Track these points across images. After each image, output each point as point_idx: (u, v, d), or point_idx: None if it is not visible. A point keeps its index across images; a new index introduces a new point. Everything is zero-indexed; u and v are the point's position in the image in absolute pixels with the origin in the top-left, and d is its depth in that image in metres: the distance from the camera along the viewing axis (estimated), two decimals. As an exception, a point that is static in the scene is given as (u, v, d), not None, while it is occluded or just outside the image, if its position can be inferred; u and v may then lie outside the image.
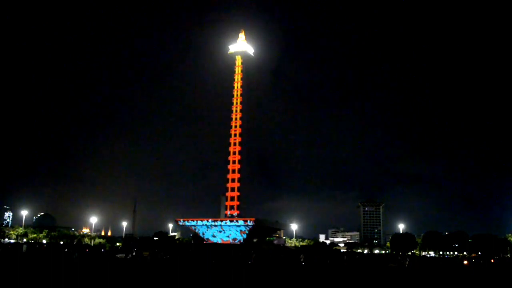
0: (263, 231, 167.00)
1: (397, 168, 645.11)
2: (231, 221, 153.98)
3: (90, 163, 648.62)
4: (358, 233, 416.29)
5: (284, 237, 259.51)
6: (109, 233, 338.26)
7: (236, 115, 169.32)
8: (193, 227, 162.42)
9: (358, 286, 54.38)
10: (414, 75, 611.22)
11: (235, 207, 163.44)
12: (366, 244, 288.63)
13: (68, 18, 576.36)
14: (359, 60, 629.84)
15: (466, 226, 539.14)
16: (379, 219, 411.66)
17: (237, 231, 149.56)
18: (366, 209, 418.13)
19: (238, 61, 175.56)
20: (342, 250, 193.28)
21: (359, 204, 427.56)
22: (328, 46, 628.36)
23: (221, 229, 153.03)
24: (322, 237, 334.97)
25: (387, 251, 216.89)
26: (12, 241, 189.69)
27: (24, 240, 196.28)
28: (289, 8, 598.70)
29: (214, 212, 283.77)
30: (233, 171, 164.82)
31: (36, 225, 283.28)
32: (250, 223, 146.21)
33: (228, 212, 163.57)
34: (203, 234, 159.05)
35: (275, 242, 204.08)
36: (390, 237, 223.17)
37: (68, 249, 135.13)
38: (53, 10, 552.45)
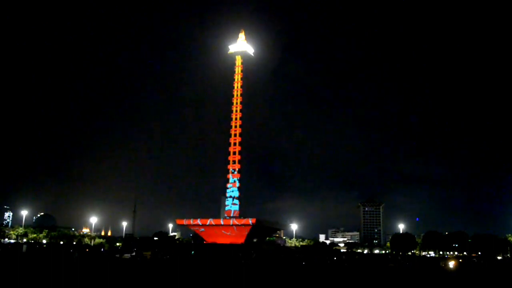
0: (263, 231, 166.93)
1: (397, 168, 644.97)
2: (231, 221, 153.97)
3: (90, 163, 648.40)
4: (358, 233, 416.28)
5: (284, 237, 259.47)
6: (109, 233, 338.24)
7: (236, 115, 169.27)
8: (193, 228, 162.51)
9: (356, 286, 54.40)
10: (414, 75, 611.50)
11: (235, 207, 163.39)
12: (366, 244, 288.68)
13: (68, 18, 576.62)
14: (359, 60, 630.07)
15: (466, 226, 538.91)
16: (379, 219, 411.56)
17: (237, 231, 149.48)
18: (366, 209, 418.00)
19: (238, 61, 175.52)
20: (342, 250, 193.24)
21: (359, 204, 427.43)
22: (328, 46, 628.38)
23: (221, 229, 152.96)
24: (322, 237, 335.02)
25: (387, 251, 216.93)
26: (12, 241, 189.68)
27: (24, 240, 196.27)
28: (289, 8, 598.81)
29: (214, 212, 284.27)
30: (233, 171, 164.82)
31: (36, 225, 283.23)
32: (250, 223, 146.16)
33: (229, 212, 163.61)
34: (203, 234, 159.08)
35: (279, 242, 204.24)
36: (390, 237, 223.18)
37: (68, 249, 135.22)
38: (53, 10, 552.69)
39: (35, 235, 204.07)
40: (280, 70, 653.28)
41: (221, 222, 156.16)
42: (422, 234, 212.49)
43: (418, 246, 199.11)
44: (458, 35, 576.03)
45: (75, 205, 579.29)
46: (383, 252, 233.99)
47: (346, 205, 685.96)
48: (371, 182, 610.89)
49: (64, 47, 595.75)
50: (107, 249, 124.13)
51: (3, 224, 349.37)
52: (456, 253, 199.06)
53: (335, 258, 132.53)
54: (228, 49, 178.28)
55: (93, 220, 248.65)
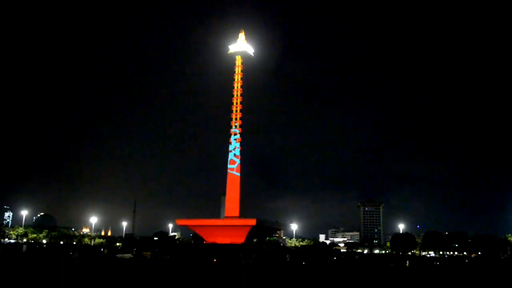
0: (263, 231, 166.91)
1: (397, 168, 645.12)
2: (231, 221, 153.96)
3: (90, 163, 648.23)
4: (358, 233, 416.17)
5: (284, 237, 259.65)
6: (109, 233, 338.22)
7: (236, 115, 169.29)
8: (194, 228, 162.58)
9: (355, 286, 54.41)
10: (414, 75, 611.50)
11: (235, 207, 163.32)
12: (366, 244, 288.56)
13: (68, 18, 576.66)
14: (359, 60, 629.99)
15: (466, 226, 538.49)
16: (379, 219, 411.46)
17: (237, 231, 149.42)
18: (366, 209, 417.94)
19: (238, 61, 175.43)
20: (342, 250, 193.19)
21: (359, 204, 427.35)
22: (328, 46, 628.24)
23: (221, 229, 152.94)
24: (322, 237, 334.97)
25: (387, 251, 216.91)
26: (12, 241, 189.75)
27: (24, 240, 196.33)
28: (289, 7, 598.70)
29: (214, 212, 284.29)
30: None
31: (36, 225, 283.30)
32: (250, 223, 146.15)
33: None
34: (203, 234, 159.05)
35: (279, 242, 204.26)
36: (390, 237, 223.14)
37: (68, 249, 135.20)
38: (53, 10, 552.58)
39: (35, 235, 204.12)
40: (280, 70, 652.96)
41: (221, 222, 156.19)
42: (422, 234, 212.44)
43: (418, 246, 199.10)
44: (458, 35, 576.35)
45: (75, 205, 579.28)
46: (383, 252, 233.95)
47: (346, 205, 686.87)
48: (371, 182, 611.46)
49: (64, 47, 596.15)
50: (107, 252, 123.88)
51: (3, 224, 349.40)
52: (456, 253, 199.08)
53: (335, 258, 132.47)
54: (228, 49, 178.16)
55: (93, 220, 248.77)
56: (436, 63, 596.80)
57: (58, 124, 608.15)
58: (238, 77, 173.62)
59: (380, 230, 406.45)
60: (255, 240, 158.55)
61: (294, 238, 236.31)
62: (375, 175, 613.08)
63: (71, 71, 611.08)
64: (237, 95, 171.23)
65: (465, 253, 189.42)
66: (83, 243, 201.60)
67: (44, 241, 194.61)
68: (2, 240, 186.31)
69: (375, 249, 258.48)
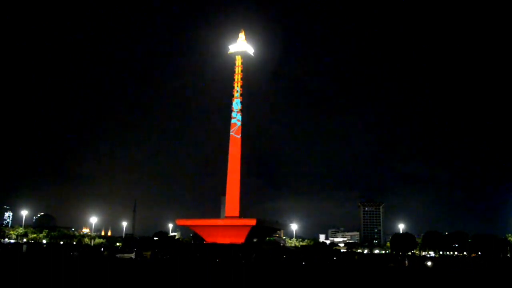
0: (263, 231, 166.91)
1: (397, 168, 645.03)
2: (231, 221, 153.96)
3: (90, 163, 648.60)
4: (358, 233, 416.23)
5: (284, 237, 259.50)
6: (109, 233, 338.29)
7: (237, 83, 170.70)
8: (194, 228, 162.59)
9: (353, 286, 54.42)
10: (414, 75, 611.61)
11: (235, 207, 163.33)
12: (366, 244, 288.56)
13: (68, 18, 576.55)
14: (359, 60, 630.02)
15: (466, 226, 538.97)
16: (379, 219, 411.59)
17: (237, 231, 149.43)
18: (366, 209, 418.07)
19: (238, 61, 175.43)
20: (342, 250, 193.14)
21: (359, 204, 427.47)
22: (328, 46, 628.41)
23: (221, 229, 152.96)
24: (322, 237, 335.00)
25: (387, 251, 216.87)
26: (12, 241, 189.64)
27: (24, 240, 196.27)
28: (289, 8, 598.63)
29: (214, 212, 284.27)
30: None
31: (36, 225, 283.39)
32: (250, 223, 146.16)
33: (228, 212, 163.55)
34: (203, 234, 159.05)
35: (279, 242, 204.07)
36: (390, 237, 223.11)
37: (68, 249, 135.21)
38: (53, 10, 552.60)
39: (35, 235, 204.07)
40: (280, 70, 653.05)
41: (221, 222, 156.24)
42: (422, 234, 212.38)
43: (418, 246, 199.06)
44: (457, 35, 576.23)
45: (75, 205, 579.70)
46: (383, 252, 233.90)
47: (346, 205, 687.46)
48: (371, 182, 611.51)
49: (64, 47, 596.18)
50: (107, 253, 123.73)
51: (3, 224, 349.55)
52: (456, 253, 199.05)
53: (334, 258, 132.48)
54: (228, 49, 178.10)
55: (93, 220, 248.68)
56: (436, 63, 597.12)
57: (58, 124, 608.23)
58: (238, 77, 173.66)
59: (380, 230, 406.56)
60: (255, 240, 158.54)
61: (294, 238, 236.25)
62: (375, 175, 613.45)
63: (71, 71, 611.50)
64: (237, 95, 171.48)
65: (465, 253, 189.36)
66: (83, 243, 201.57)
67: (44, 241, 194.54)
68: (2, 240, 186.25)
69: (375, 249, 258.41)
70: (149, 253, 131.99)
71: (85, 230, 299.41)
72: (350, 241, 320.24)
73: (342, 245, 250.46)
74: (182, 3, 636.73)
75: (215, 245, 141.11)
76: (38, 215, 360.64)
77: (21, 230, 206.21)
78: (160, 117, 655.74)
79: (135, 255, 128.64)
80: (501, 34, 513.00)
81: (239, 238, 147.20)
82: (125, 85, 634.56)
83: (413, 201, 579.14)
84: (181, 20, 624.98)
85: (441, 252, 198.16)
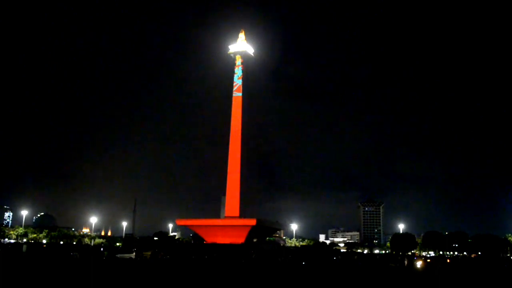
0: (263, 231, 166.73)
1: (397, 168, 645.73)
2: (231, 221, 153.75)
3: (90, 163, 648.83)
4: (358, 233, 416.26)
5: (284, 237, 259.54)
6: (109, 233, 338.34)
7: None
8: (194, 228, 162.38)
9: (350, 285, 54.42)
10: (414, 76, 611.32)
11: (235, 207, 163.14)
12: (366, 244, 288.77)
13: (69, 18, 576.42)
14: (360, 61, 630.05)
15: (466, 226, 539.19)
16: (379, 219, 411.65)
17: (237, 231, 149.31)
18: (366, 209, 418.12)
19: (238, 61, 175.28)
20: (342, 250, 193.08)
21: (359, 204, 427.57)
22: (328, 46, 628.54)
23: (221, 229, 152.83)
24: (322, 237, 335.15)
25: (387, 251, 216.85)
26: (12, 241, 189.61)
27: (24, 240, 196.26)
28: (289, 8, 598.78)
29: (214, 212, 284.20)
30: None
31: (36, 225, 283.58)
32: (250, 223, 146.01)
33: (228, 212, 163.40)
34: (203, 234, 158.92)
35: (279, 242, 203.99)
36: (390, 237, 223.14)
37: (68, 249, 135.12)
38: (53, 10, 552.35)
39: (35, 235, 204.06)
40: (280, 70, 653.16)
41: (221, 222, 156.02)
42: (422, 234, 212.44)
43: (418, 246, 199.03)
44: (458, 36, 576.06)
45: (75, 205, 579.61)
46: (383, 252, 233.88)
47: (346, 205, 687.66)
48: (371, 182, 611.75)
49: (64, 47, 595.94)
50: (107, 253, 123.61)
51: (3, 224, 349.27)
52: (456, 253, 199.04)
53: (334, 258, 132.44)
54: (228, 49, 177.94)
55: (93, 220, 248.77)
56: (436, 65, 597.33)
57: (58, 124, 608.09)
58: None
59: (380, 230, 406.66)
60: (255, 240, 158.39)
61: (294, 238, 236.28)
62: (375, 175, 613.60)
63: (71, 73, 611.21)
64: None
65: (465, 253, 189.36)
66: (83, 243, 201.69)
67: (44, 241, 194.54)
68: (2, 240, 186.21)
69: (375, 249, 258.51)
70: (149, 253, 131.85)
71: (85, 230, 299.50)
72: (350, 241, 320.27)
73: (342, 245, 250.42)
74: (182, 3, 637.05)
75: (215, 245, 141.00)
76: (38, 215, 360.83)
77: (21, 230, 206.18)
78: (160, 117, 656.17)
79: (135, 255, 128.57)
80: (501, 34, 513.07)
81: (239, 238, 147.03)
82: (125, 85, 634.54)
83: (413, 201, 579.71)
84: (181, 20, 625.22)
85: (441, 252, 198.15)
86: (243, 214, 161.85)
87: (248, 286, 49.88)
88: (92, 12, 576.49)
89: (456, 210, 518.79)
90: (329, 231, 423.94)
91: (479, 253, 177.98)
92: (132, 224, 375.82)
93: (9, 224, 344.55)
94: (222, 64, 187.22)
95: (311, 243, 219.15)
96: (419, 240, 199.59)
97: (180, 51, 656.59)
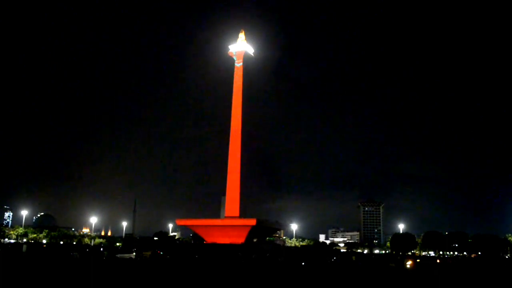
0: (263, 231, 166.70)
1: (397, 168, 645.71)
2: (231, 221, 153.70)
3: (90, 163, 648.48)
4: (358, 233, 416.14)
5: (284, 237, 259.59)
6: (109, 233, 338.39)
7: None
8: (194, 228, 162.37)
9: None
10: (414, 75, 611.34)
11: (235, 207, 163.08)
12: (366, 244, 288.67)
13: (69, 18, 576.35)
14: (359, 60, 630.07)
15: (466, 226, 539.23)
16: (379, 219, 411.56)
17: (237, 231, 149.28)
18: (366, 209, 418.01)
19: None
20: (342, 250, 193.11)
21: (359, 204, 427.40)
22: (328, 46, 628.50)
23: (221, 229, 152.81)
24: (322, 237, 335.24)
25: (387, 251, 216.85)
26: (12, 241, 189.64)
27: (24, 240, 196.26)
28: (289, 8, 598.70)
29: (214, 212, 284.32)
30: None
31: (36, 225, 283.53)
32: (250, 223, 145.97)
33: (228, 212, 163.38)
34: (203, 234, 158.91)
35: (279, 242, 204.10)
36: (390, 237, 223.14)
37: (68, 249, 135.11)
38: (53, 10, 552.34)
39: (35, 235, 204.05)
40: (280, 70, 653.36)
41: (221, 222, 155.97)
42: (422, 234, 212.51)
43: (418, 246, 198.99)
44: (458, 36, 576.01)
45: (75, 205, 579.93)
46: (383, 252, 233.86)
47: (346, 205, 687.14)
48: (371, 182, 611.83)
49: (64, 47, 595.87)
50: (107, 253, 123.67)
51: (3, 224, 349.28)
52: (456, 253, 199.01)
53: (334, 258, 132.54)
54: (228, 49, 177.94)
55: (93, 220, 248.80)
56: (436, 65, 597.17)
57: (58, 124, 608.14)
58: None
59: (380, 230, 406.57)
60: (255, 240, 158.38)
61: (294, 238, 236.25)
62: (375, 175, 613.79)
63: (72, 73, 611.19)
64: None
65: (465, 253, 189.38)
66: (83, 243, 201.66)
67: (44, 241, 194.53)
68: (2, 240, 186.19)
69: (375, 249, 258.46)
70: (149, 253, 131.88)
71: (85, 230, 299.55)
72: (350, 241, 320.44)
73: (342, 245, 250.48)
74: (182, 3, 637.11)
75: (215, 245, 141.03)
76: (38, 215, 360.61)
77: (21, 230, 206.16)
78: (160, 117, 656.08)
79: (135, 255, 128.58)
80: (501, 34, 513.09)
81: (239, 238, 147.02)
82: (125, 85, 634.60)
83: (413, 201, 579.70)
84: (181, 20, 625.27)
85: (441, 252, 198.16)
86: (243, 214, 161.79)
87: (248, 286, 49.89)
88: (92, 12, 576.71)
89: (456, 210, 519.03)
90: (329, 231, 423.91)
91: (479, 253, 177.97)
92: (132, 224, 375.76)
93: (9, 224, 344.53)
94: (222, 64, 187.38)
95: (311, 243, 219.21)
96: (419, 240, 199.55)
97: (180, 51, 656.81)
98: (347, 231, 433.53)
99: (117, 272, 61.61)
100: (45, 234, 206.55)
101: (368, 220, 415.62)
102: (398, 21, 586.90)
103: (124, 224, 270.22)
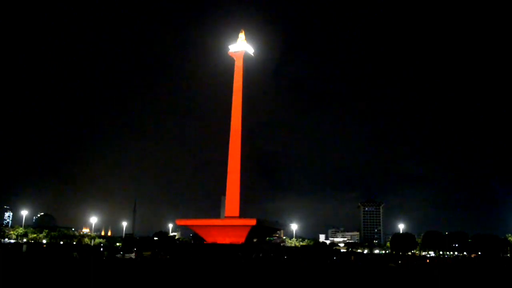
0: (263, 231, 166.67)
1: (397, 168, 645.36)
2: (231, 221, 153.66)
3: (90, 163, 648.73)
4: (358, 233, 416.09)
5: (284, 237, 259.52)
6: (109, 233, 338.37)
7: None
8: (194, 228, 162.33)
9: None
10: (414, 76, 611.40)
11: (235, 207, 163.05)
12: (366, 244, 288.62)
13: (69, 18, 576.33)
14: (359, 60, 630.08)
15: (466, 226, 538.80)
16: (379, 219, 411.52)
17: (237, 231, 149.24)
18: (366, 209, 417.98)
19: (238, 61, 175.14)
20: (342, 250, 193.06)
21: (359, 204, 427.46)
22: (328, 46, 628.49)
23: (221, 229, 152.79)
24: (322, 237, 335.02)
25: (387, 251, 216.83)
26: (12, 241, 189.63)
27: (24, 240, 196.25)
28: (289, 8, 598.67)
29: (214, 212, 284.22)
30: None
31: (36, 225, 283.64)
32: (250, 223, 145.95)
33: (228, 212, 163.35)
34: (203, 234, 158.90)
35: (279, 242, 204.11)
36: (390, 237, 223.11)
37: (68, 249, 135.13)
38: (53, 10, 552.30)
39: (35, 235, 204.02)
40: (280, 70, 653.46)
41: (221, 222, 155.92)
42: (422, 234, 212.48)
43: (418, 246, 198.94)
44: (458, 36, 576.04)
45: (75, 205, 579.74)
46: (383, 252, 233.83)
47: (346, 205, 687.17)
48: (371, 182, 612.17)
49: (64, 47, 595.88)
50: (107, 253, 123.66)
51: (3, 224, 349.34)
52: (456, 253, 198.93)
53: (334, 258, 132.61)
54: (228, 49, 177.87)
55: (93, 220, 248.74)
56: (436, 65, 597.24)
57: (58, 125, 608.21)
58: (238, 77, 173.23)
59: (380, 230, 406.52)
60: (255, 240, 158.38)
61: (294, 238, 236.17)
62: (375, 175, 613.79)
63: (72, 73, 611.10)
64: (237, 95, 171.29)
65: (465, 253, 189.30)
66: (83, 243, 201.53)
67: (44, 241, 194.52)
68: (2, 240, 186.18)
69: (375, 249, 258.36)
70: (149, 253, 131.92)
71: (85, 230, 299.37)
72: (350, 241, 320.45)
73: (342, 245, 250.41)
74: (182, 3, 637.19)
75: (215, 245, 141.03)
76: (38, 215, 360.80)
77: (21, 230, 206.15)
78: (160, 117, 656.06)
79: (136, 255, 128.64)
80: (501, 34, 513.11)
81: (239, 238, 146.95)
82: (125, 85, 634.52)
83: (413, 201, 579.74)
84: (181, 20, 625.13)
85: (441, 252, 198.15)
86: (243, 214, 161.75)
87: (248, 286, 49.90)
88: (92, 12, 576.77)
89: (456, 210, 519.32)
90: (329, 231, 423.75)
91: (479, 253, 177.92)
92: (132, 224, 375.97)
93: (9, 224, 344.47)
94: (222, 64, 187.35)
95: (311, 243, 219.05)
96: (419, 240, 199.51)
97: (180, 51, 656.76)
98: (347, 231, 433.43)
99: (117, 272, 61.58)
100: (45, 234, 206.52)
101: (368, 220, 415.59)
102: (398, 21, 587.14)
103: (124, 224, 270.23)
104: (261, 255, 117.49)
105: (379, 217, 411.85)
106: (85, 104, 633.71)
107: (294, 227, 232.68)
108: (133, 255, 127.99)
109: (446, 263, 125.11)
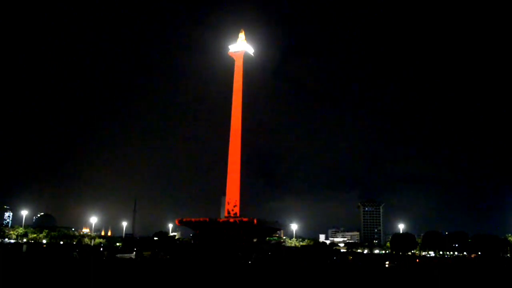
0: (263, 231, 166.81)
1: (397, 168, 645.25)
2: (231, 221, 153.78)
3: (90, 163, 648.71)
4: (358, 233, 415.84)
5: (284, 237, 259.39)
6: (109, 233, 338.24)
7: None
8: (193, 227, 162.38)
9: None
10: (414, 75, 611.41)
11: (235, 207, 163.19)
12: (366, 244, 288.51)
13: (69, 18, 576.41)
14: (360, 61, 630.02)
15: (466, 226, 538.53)
16: (379, 219, 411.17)
17: (237, 231, 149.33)
18: (366, 209, 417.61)
19: (238, 61, 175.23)
20: (342, 250, 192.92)
21: (359, 204, 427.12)
22: (328, 46, 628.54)
23: (221, 229, 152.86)
24: (322, 237, 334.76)
25: (387, 251, 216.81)
26: (12, 241, 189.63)
27: (24, 240, 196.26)
28: (289, 8, 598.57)
29: (214, 212, 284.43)
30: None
31: (36, 225, 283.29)
32: (250, 223, 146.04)
33: (228, 212, 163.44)
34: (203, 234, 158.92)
35: (279, 242, 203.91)
36: (390, 237, 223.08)
37: (68, 249, 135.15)
38: (53, 10, 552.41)
39: (35, 235, 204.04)
40: (280, 70, 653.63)
41: (221, 222, 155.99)
42: (422, 234, 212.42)
43: (418, 246, 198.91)
44: (458, 36, 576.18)
45: (75, 205, 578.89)
46: (383, 252, 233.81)
47: (346, 205, 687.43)
48: (371, 182, 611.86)
49: (64, 47, 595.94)
50: (107, 253, 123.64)
51: (3, 224, 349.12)
52: (456, 253, 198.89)
53: (334, 258, 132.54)
54: (228, 49, 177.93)
55: (93, 220, 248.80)
56: (436, 65, 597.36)
57: (58, 125, 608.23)
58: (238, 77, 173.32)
59: (380, 230, 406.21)
60: (255, 240, 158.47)
61: (294, 238, 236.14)
62: (375, 175, 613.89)
63: (72, 73, 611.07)
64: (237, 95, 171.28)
65: (465, 253, 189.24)
66: (83, 243, 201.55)
67: (44, 241, 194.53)
68: (2, 240, 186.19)
69: (375, 249, 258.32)
70: (149, 253, 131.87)
71: (85, 230, 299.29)
72: (350, 241, 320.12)
73: (342, 245, 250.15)
74: (182, 3, 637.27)
75: (215, 245, 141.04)
76: (38, 215, 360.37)
77: (21, 230, 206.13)
78: (160, 117, 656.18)
79: (136, 255, 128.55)
80: (501, 34, 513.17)
81: (239, 238, 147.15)
82: (125, 86, 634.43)
83: (413, 201, 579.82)
84: (181, 20, 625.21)
85: (441, 252, 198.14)
86: (243, 214, 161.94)
87: (248, 286, 49.91)
88: (92, 12, 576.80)
89: (456, 210, 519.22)
90: (329, 231, 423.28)
91: (479, 253, 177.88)
92: (132, 224, 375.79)
93: (9, 224, 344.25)
94: (222, 64, 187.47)
95: (311, 243, 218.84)
96: (419, 240, 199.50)
97: (180, 51, 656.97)
98: (347, 231, 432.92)
99: (117, 272, 61.56)
100: (45, 234, 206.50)
101: (368, 220, 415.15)
102: (398, 21, 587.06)
103: (124, 224, 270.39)
104: (261, 255, 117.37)
105: (379, 217, 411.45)
106: (85, 104, 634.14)
107: (294, 227, 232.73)
108: (133, 255, 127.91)
109: (446, 263, 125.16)
